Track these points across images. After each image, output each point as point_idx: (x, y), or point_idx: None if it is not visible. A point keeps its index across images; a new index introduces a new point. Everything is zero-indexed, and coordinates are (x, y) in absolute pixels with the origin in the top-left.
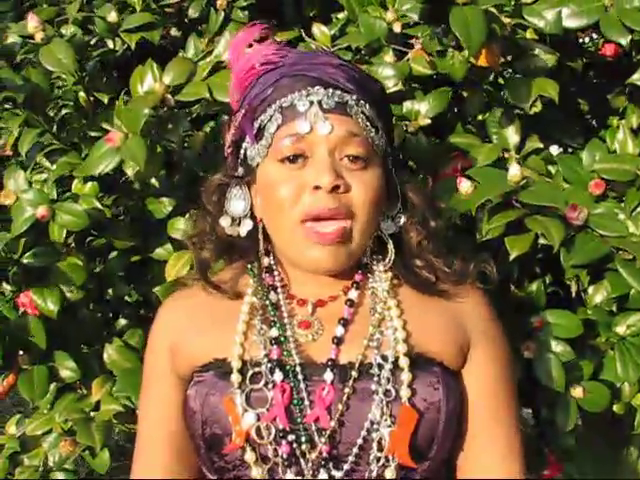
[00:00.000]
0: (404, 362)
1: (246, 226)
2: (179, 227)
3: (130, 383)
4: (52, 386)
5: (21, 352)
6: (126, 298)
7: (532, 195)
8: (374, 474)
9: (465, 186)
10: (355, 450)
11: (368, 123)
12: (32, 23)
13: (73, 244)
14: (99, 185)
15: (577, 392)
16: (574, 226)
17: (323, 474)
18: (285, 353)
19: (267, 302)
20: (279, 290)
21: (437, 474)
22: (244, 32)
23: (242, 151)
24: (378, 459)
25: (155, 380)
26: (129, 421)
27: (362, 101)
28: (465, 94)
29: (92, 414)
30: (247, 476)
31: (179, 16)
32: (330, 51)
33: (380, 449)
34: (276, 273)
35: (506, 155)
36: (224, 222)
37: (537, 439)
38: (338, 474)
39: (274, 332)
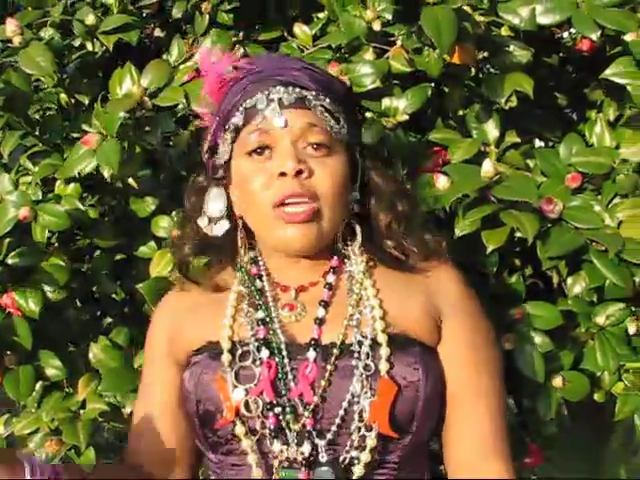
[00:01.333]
0: (382, 338)
1: (222, 226)
2: (163, 225)
3: (115, 382)
4: (38, 385)
5: (8, 352)
6: (113, 296)
7: (506, 190)
8: (355, 443)
9: (442, 182)
10: (337, 421)
11: (327, 114)
12: (10, 27)
13: (57, 244)
14: (82, 185)
15: (557, 382)
16: (550, 219)
17: (307, 445)
18: (271, 332)
19: (253, 288)
20: (264, 278)
21: (419, 451)
22: (206, 51)
23: (217, 155)
24: (359, 429)
25: (154, 365)
26: (115, 419)
27: (321, 95)
28: (446, 89)
29: (81, 412)
30: (238, 449)
31: (162, 16)
32: (299, 57)
33: (361, 420)
34: (261, 263)
35: (487, 149)
36: (201, 222)
37: (519, 428)
38: (321, 443)
39: (260, 314)
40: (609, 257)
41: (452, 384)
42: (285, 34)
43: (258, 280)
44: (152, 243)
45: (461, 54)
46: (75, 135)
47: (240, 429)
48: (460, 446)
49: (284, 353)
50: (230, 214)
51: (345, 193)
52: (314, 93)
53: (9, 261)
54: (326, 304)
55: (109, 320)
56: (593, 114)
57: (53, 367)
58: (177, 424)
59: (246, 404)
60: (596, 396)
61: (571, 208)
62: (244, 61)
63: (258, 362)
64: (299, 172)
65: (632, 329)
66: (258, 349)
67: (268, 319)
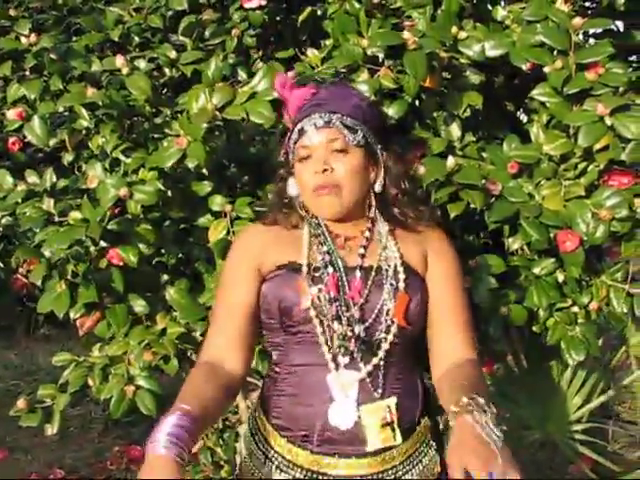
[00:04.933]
0: (400, 269)
1: (295, 191)
2: (217, 202)
3: (187, 313)
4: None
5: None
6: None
7: (461, 176)
8: (384, 329)
9: (421, 170)
10: (373, 315)
11: (345, 129)
12: (119, 61)
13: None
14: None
15: (504, 311)
16: (493, 195)
17: (356, 327)
18: (333, 259)
19: (319, 231)
20: (323, 228)
21: (416, 341)
22: (281, 80)
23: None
24: (386, 320)
25: (238, 272)
26: (188, 342)
27: (344, 117)
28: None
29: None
30: (305, 329)
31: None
32: (348, 86)
33: (387, 315)
34: (320, 220)
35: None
36: (289, 189)
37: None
38: (362, 328)
39: (325, 247)
40: (533, 222)
41: (441, 302)
42: (298, 53)
43: (319, 227)
44: (209, 215)
45: (431, 81)
46: (156, 136)
47: (313, 312)
48: (445, 343)
49: (342, 273)
50: None
51: (361, 177)
52: (339, 115)
53: (109, 227)
54: (365, 247)
55: (166, 277)
56: (535, 117)
57: (139, 305)
58: (250, 317)
59: (318, 297)
60: (535, 328)
61: (508, 188)
62: (313, 91)
63: (326, 274)
64: (325, 170)
65: (561, 278)
66: (325, 266)
67: (330, 251)
